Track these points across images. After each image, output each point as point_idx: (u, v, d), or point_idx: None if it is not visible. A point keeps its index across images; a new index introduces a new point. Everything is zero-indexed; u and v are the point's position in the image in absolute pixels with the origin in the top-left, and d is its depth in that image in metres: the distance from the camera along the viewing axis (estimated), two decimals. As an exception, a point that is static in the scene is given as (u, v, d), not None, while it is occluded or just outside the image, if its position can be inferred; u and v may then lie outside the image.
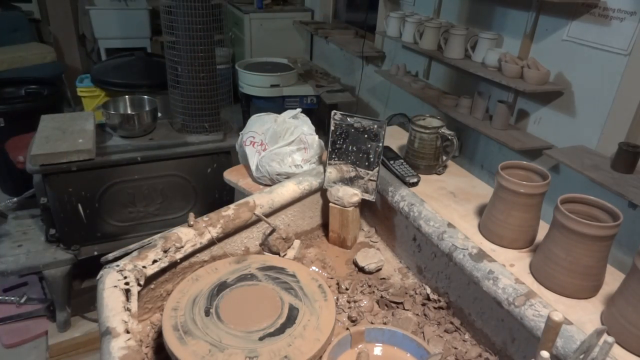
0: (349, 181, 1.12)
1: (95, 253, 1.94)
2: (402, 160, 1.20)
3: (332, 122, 1.10)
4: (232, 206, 0.99)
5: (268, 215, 1.04)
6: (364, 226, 1.24)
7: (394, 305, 0.96)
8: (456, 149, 1.17)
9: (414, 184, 1.14)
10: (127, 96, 1.98)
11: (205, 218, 0.95)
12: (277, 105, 3.43)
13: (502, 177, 0.90)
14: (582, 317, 0.75)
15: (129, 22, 4.48)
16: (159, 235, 0.88)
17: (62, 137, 1.80)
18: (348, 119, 1.08)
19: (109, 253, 0.84)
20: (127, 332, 0.69)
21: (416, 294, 0.99)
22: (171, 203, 1.99)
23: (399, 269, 1.09)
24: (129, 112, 1.95)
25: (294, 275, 0.86)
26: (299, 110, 1.35)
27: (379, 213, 1.19)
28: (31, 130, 1.85)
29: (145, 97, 2.00)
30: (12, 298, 2.11)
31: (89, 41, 4.79)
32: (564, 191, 0.85)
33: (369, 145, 1.08)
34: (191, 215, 0.93)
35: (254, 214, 0.99)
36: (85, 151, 1.73)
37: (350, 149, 1.10)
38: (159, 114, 2.11)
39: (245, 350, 0.69)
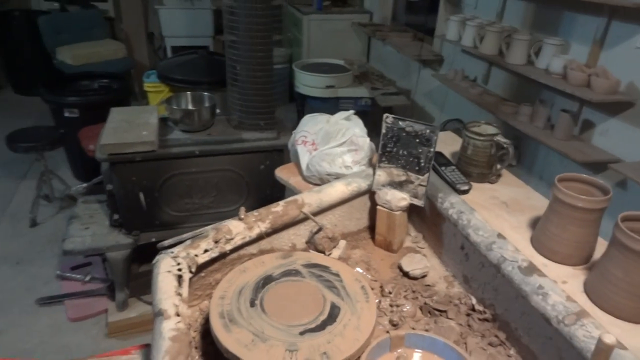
0: (398, 185, 1.12)
1: (153, 240, 2.05)
2: (453, 167, 1.18)
3: (384, 125, 1.10)
4: (281, 203, 1.02)
5: (316, 214, 1.06)
6: (412, 231, 1.23)
7: (437, 312, 0.95)
8: (512, 157, 1.13)
9: (465, 192, 1.12)
10: (188, 92, 2.08)
11: (255, 213, 0.98)
12: (332, 106, 3.46)
13: (559, 190, 0.86)
14: (639, 342, 0.71)
15: (194, 22, 4.67)
16: (211, 226, 0.93)
17: (129, 128, 1.91)
18: (400, 122, 1.08)
19: (165, 240, 0.90)
20: (178, 315, 0.73)
21: (461, 303, 0.97)
22: (224, 196, 2.07)
23: (445, 277, 1.08)
24: (190, 107, 2.04)
25: (337, 275, 0.87)
26: (351, 111, 1.36)
27: (428, 219, 1.18)
28: (102, 121, 1.98)
29: (206, 94, 2.08)
30: (78, 276, 2.27)
31: (157, 39, 5.04)
32: (630, 208, 0.81)
33: (420, 150, 1.07)
34: (242, 210, 0.97)
35: (302, 211, 1.02)
36: (148, 143, 1.84)
37: (400, 152, 1.10)
38: (218, 111, 2.19)
39: (286, 343, 0.72)
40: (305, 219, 1.04)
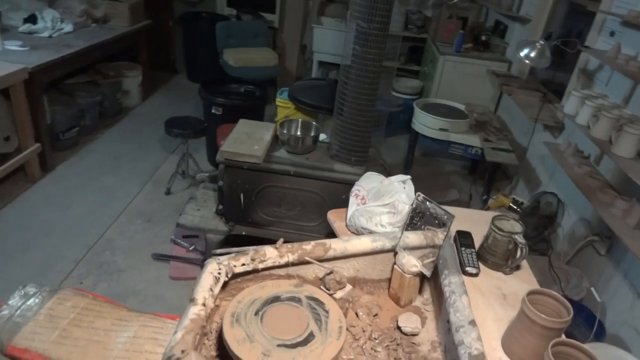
0: (415, 252, 1.31)
1: (243, 233, 2.47)
2: (473, 250, 1.33)
3: (415, 201, 1.30)
4: (312, 243, 1.30)
5: (340, 258, 1.31)
6: (425, 293, 1.41)
7: (406, 367, 1.14)
8: (524, 256, 1.25)
9: (471, 275, 1.27)
10: (300, 119, 2.45)
11: (289, 246, 1.27)
12: (443, 147, 3.60)
13: (525, 304, 0.99)
14: None
15: (342, 42, 5.10)
16: (253, 247, 1.24)
17: (246, 140, 2.35)
18: (427, 203, 1.28)
19: (254, 235, 1.23)
20: (204, 305, 1.06)
21: (430, 367, 1.15)
22: (307, 213, 2.40)
23: (432, 342, 1.25)
24: (297, 134, 2.41)
25: (327, 312, 1.12)
26: (408, 177, 1.56)
27: (438, 288, 1.34)
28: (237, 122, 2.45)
29: (313, 123, 2.43)
30: (185, 244, 2.81)
31: (307, 52, 5.62)
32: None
33: (437, 231, 1.25)
34: (280, 241, 1.27)
35: (309, 259, 1.28)
36: (255, 156, 2.24)
37: (423, 227, 1.29)
38: (325, 137, 2.53)
39: (265, 348, 0.99)
40: (332, 259, 1.30)
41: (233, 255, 1.22)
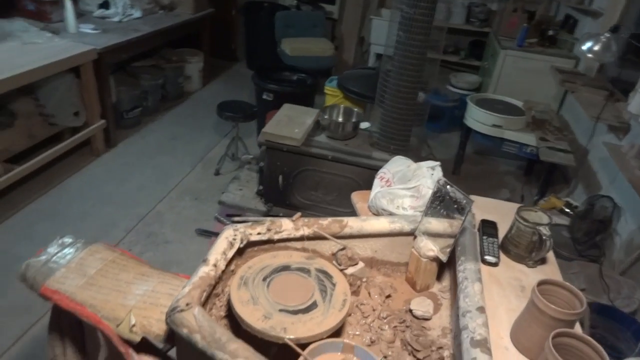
0: (435, 237, 1.29)
1: (281, 215, 2.52)
2: (495, 240, 1.29)
3: (436, 184, 1.28)
4: (329, 219, 1.31)
5: (356, 237, 1.31)
6: (445, 280, 1.38)
7: (410, 349, 1.13)
8: (548, 250, 1.19)
9: (490, 264, 1.22)
10: (342, 105, 2.46)
11: (305, 220, 1.29)
12: (495, 145, 3.46)
13: (535, 294, 0.95)
14: None
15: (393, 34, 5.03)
16: (270, 218, 1.28)
17: (287, 124, 2.39)
18: (448, 187, 1.25)
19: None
20: (215, 266, 1.11)
21: (435, 351, 1.13)
22: (343, 199, 2.40)
23: (444, 328, 1.22)
24: (338, 119, 2.42)
25: (333, 285, 1.13)
26: (438, 163, 1.53)
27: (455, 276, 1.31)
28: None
29: (355, 109, 2.43)
30: (227, 222, 2.91)
31: (365, 44, 5.59)
32: None
33: (455, 216, 1.22)
34: (298, 214, 1.29)
35: (322, 233, 1.29)
36: (295, 139, 2.28)
37: (442, 212, 1.27)
38: (368, 124, 2.53)
39: (266, 311, 1.03)
40: (349, 237, 1.31)
41: (250, 223, 1.26)
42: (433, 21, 2.03)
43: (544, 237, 1.18)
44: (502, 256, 1.29)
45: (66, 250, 1.25)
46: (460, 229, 1.20)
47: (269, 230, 1.26)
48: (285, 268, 1.17)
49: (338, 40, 5.69)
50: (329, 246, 1.33)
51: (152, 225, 2.87)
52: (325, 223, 1.30)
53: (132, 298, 1.15)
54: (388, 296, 1.30)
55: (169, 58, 4.45)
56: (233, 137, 3.51)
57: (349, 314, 1.20)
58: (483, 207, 1.49)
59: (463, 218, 1.19)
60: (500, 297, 1.11)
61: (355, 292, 1.27)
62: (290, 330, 0.99)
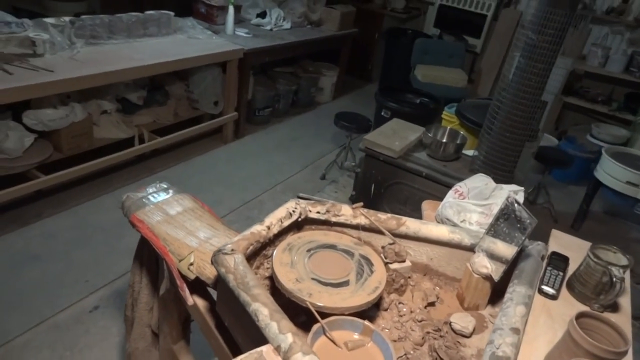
0: (495, 259, 1.23)
1: (368, 223, 2.56)
2: (560, 273, 1.18)
3: (505, 201, 1.22)
4: (389, 215, 1.33)
5: (411, 238, 1.31)
6: (498, 306, 1.29)
7: (436, 356, 1.09)
8: (617, 294, 1.06)
9: (546, 295, 1.13)
10: (448, 127, 2.43)
11: (364, 211, 1.33)
12: (628, 204, 3.08)
13: (572, 325, 0.87)
14: None
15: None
16: (331, 201, 1.34)
17: (390, 136, 2.44)
18: (516, 205, 1.19)
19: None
20: (268, 227, 1.21)
21: (462, 366, 1.07)
22: (430, 220, 2.36)
23: (480, 350, 1.15)
24: (439, 139, 2.39)
25: (371, 272, 1.15)
26: (522, 189, 1.45)
27: (510, 302, 1.23)
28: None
29: (461, 133, 2.38)
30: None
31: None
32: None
33: (516, 235, 1.16)
34: (359, 204, 1.34)
35: (375, 222, 1.30)
36: (393, 151, 2.32)
37: (505, 230, 1.20)
38: (476, 152, 2.45)
39: (299, 277, 1.09)
40: (401, 234, 1.32)
41: (312, 202, 1.34)
42: (559, 50, 1.92)
43: (614, 279, 1.05)
44: (565, 293, 1.17)
45: (160, 193, 1.47)
46: (518, 247, 1.13)
47: (328, 211, 1.32)
48: (332, 247, 1.22)
49: (476, 74, 5.56)
50: (383, 242, 1.34)
51: (253, 210, 3.12)
52: (384, 217, 1.32)
53: (197, 241, 1.30)
54: (432, 304, 1.27)
55: (306, 68, 4.80)
56: (345, 146, 3.65)
57: (384, 309, 1.21)
58: (566, 245, 1.37)
59: (523, 238, 1.12)
60: (546, 328, 1.02)
61: (398, 291, 1.26)
62: (315, 297, 1.04)
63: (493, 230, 1.24)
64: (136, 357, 1.63)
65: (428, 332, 1.16)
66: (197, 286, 1.32)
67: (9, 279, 2.28)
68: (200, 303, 1.31)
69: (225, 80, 3.70)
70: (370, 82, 6.05)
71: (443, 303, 1.29)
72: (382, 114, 3.60)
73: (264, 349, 0.89)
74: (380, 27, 5.75)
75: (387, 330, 1.16)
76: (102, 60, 2.75)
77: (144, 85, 3.34)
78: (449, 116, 3.23)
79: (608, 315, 1.12)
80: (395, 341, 1.12)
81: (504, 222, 1.21)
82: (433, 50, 4.92)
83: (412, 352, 1.09)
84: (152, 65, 2.91)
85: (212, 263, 1.11)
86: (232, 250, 1.10)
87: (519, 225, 1.16)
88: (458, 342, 1.16)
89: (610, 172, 3.07)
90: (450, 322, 1.19)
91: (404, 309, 1.22)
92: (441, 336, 1.16)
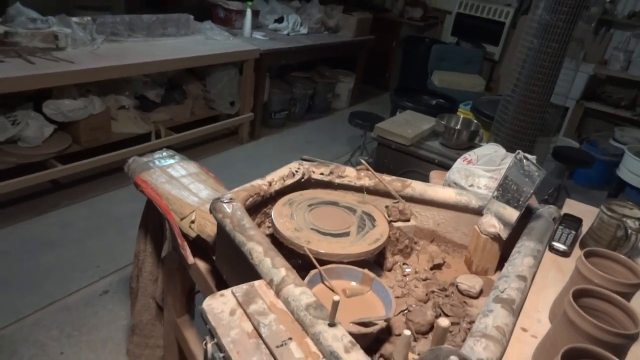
0: (501, 220, 1.18)
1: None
2: (573, 232, 1.13)
3: (513, 159, 1.18)
4: (393, 177, 1.30)
5: (417, 200, 1.28)
6: (509, 273, 1.24)
7: (440, 312, 1.04)
8: (632, 248, 1.00)
9: (558, 252, 1.08)
10: (462, 115, 2.39)
11: (369, 172, 1.31)
12: (653, 204, 2.95)
13: (582, 263, 0.82)
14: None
15: (564, 80, 4.66)
16: (335, 163, 1.32)
17: (403, 125, 2.42)
18: (525, 160, 1.14)
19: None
20: (269, 183, 1.19)
21: (468, 323, 1.02)
22: (444, 208, 2.30)
23: (488, 310, 1.10)
24: (452, 126, 2.35)
25: (373, 226, 1.12)
26: (534, 157, 1.40)
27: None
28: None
29: (474, 121, 2.34)
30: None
31: (523, 87, 5.29)
32: None
33: (524, 189, 1.11)
34: (365, 164, 1.31)
35: (389, 187, 1.27)
36: (405, 138, 2.29)
37: (512, 187, 1.16)
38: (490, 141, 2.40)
39: (298, 226, 1.07)
40: (406, 195, 1.28)
41: (315, 163, 1.32)
42: (573, 29, 1.89)
43: (630, 232, 0.99)
44: (578, 252, 1.11)
45: (165, 159, 1.47)
46: (526, 200, 1.08)
47: (331, 173, 1.30)
48: (334, 203, 1.20)
49: (494, 82, 5.51)
50: (387, 202, 1.31)
51: (266, 205, 3.10)
52: (388, 179, 1.29)
53: (199, 201, 1.30)
54: (438, 267, 1.22)
55: (323, 73, 4.84)
56: (359, 145, 3.63)
57: (387, 269, 1.17)
58: (581, 213, 1.31)
59: (533, 189, 1.08)
60: (556, 281, 0.97)
61: (402, 252, 1.23)
62: (314, 244, 1.02)
63: (501, 188, 1.20)
64: (140, 330, 1.62)
65: (433, 291, 1.11)
66: (199, 249, 1.30)
67: (23, 263, 2.31)
68: (202, 265, 1.30)
69: (241, 81, 3.74)
70: (387, 91, 6.03)
71: (450, 267, 1.25)
72: (398, 113, 3.57)
73: (256, 283, 0.86)
74: (397, 36, 5.77)
75: (390, 287, 1.12)
76: (121, 54, 2.82)
77: (162, 83, 3.40)
78: (464, 112, 3.19)
79: (624, 273, 1.05)
80: (398, 297, 1.08)
81: (513, 178, 1.17)
82: (450, 56, 4.90)
83: (414, 305, 1.05)
84: (169, 61, 2.98)
85: (210, 211, 1.09)
86: (231, 199, 1.08)
87: (527, 180, 1.12)
88: (464, 302, 1.11)
89: (634, 170, 2.97)
90: (457, 283, 1.14)
91: (408, 270, 1.18)
92: (446, 296, 1.11)
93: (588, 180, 3.93)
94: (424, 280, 1.14)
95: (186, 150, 3.62)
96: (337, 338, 0.72)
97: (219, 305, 0.79)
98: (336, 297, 0.71)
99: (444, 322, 0.70)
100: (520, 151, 1.17)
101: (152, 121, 3.29)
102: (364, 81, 5.45)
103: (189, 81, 3.62)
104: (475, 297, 1.13)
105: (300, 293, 0.80)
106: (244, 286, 0.84)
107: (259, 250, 0.90)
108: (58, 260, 2.37)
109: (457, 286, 1.14)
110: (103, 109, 2.88)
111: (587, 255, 0.82)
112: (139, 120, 3.20)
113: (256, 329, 0.75)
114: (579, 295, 0.71)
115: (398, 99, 3.63)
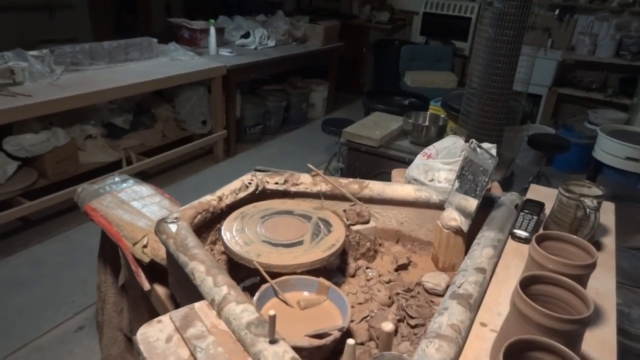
0: (463, 212, 1.14)
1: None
2: (534, 217, 1.09)
3: (467, 149, 1.15)
4: (350, 179, 1.26)
5: (377, 201, 1.24)
6: (477, 267, 1.20)
7: (404, 314, 1.00)
8: (593, 228, 0.96)
9: (520, 239, 1.04)
10: (428, 112, 2.37)
11: (324, 177, 1.26)
12: (631, 181, 2.95)
13: (534, 249, 0.78)
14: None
15: (536, 69, 4.68)
16: (289, 171, 1.28)
17: (371, 127, 2.39)
18: (478, 149, 1.11)
19: None
20: (219, 198, 1.15)
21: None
22: (419, 207, 2.27)
23: (456, 307, 1.05)
24: (420, 123, 2.33)
25: (329, 231, 1.07)
26: (494, 145, 1.37)
27: (486, 256, 1.13)
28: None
29: (442, 116, 2.32)
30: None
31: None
32: None
33: (480, 179, 1.08)
34: (317, 171, 1.27)
35: (345, 192, 1.22)
36: (373, 140, 2.26)
37: (469, 177, 1.12)
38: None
39: (249, 240, 1.02)
40: (365, 197, 1.24)
41: (269, 173, 1.28)
42: (528, 15, 1.88)
43: (588, 211, 0.96)
44: (542, 237, 1.08)
45: (118, 183, 1.42)
46: (483, 189, 1.04)
47: (286, 181, 1.26)
48: (288, 212, 1.15)
49: (467, 77, 5.52)
50: (346, 206, 1.27)
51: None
52: (345, 181, 1.25)
53: (151, 224, 1.24)
54: (403, 267, 1.18)
55: (295, 84, 4.82)
56: (336, 153, 3.59)
57: (350, 275, 1.12)
58: (544, 197, 1.28)
59: (487, 179, 1.04)
60: (518, 270, 0.93)
61: (365, 256, 1.18)
62: (264, 257, 0.97)
63: (459, 181, 1.17)
64: (110, 364, 1.55)
65: (397, 293, 1.07)
66: (158, 274, 1.25)
67: (-7, 306, 2.22)
68: (161, 291, 1.24)
69: (211, 99, 3.70)
70: (362, 96, 6.04)
71: (417, 267, 1.21)
72: (370, 116, 3.55)
73: (197, 304, 0.81)
74: (367, 41, 5.78)
75: (353, 294, 1.07)
76: (83, 83, 2.77)
77: (130, 109, 3.35)
78: (435, 109, 3.17)
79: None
80: (360, 304, 1.03)
81: (468, 169, 1.13)
82: (420, 56, 4.91)
83: (376, 311, 1.00)
84: (132, 85, 2.93)
85: (155, 233, 1.04)
86: (177, 218, 1.03)
87: (481, 169, 1.08)
88: (431, 301, 1.07)
89: (608, 150, 2.97)
90: (423, 283, 1.10)
91: (371, 274, 1.13)
92: (412, 296, 1.07)
93: (568, 166, 3.93)
94: (388, 282, 1.09)
95: (161, 174, 3.56)
96: (279, 356, 0.67)
97: (155, 333, 0.74)
98: (272, 312, 0.66)
99: (387, 326, 0.65)
100: (473, 140, 1.13)
101: (122, 148, 3.23)
102: (339, 88, 5.45)
103: (157, 104, 3.57)
104: (442, 295, 1.08)
105: (242, 311, 0.75)
106: (184, 309, 0.79)
107: (200, 269, 0.85)
108: (29, 301, 2.28)
109: (423, 285, 1.10)
110: (68, 140, 2.82)
111: (540, 239, 0.79)
112: (107, 149, 3.14)
113: (192, 354, 0.70)
114: (529, 282, 0.67)
115: (370, 102, 3.61)
